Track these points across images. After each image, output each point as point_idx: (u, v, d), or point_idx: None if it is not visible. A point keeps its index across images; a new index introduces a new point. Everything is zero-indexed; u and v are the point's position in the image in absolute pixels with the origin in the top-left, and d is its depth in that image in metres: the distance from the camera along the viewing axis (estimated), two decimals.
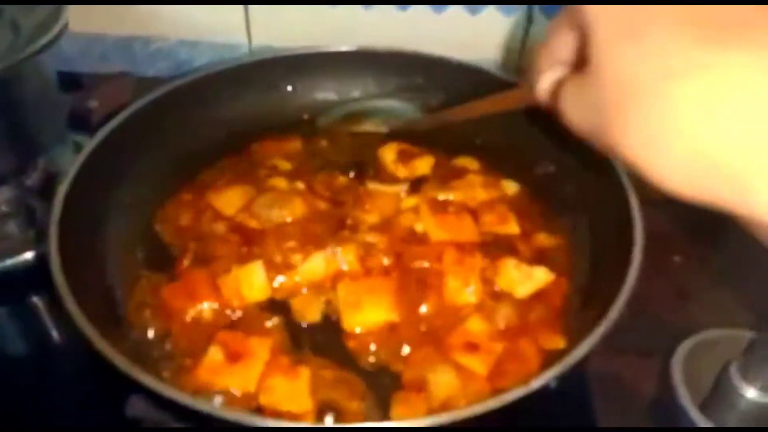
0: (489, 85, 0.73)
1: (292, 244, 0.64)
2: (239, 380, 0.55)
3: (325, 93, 0.79)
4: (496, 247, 0.66)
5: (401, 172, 0.74)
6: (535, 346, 0.58)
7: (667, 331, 0.65)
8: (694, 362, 0.61)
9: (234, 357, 0.57)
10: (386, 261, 0.64)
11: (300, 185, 0.71)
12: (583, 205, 0.67)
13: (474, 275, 0.63)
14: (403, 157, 0.74)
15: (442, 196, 0.70)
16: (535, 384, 0.47)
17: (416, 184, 0.73)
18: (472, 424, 0.46)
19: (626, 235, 0.58)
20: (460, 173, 0.73)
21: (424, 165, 0.74)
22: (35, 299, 0.74)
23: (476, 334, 0.59)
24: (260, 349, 0.57)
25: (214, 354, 0.57)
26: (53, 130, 0.78)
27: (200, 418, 0.47)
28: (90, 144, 0.63)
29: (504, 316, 0.60)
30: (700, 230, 0.89)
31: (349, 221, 0.67)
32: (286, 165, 0.74)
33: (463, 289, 0.62)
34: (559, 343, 0.59)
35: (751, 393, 0.57)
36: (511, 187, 0.72)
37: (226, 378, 0.56)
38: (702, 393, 0.60)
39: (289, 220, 0.67)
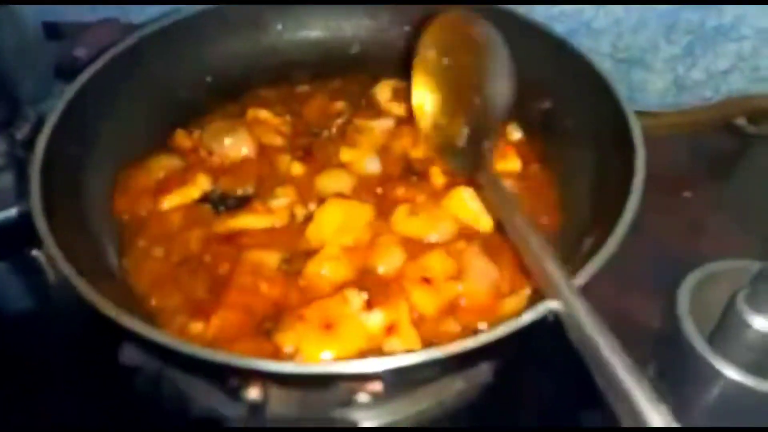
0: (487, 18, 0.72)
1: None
2: None
3: (315, 31, 0.77)
4: None
5: (396, 110, 0.71)
6: None
7: (675, 268, 0.64)
8: (701, 295, 0.60)
9: None
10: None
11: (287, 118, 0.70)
12: (583, 137, 0.64)
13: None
14: (398, 96, 0.72)
15: None
16: (527, 318, 0.45)
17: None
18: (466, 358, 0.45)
19: (628, 162, 0.56)
20: None
21: None
22: (35, 252, 0.74)
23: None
24: None
25: None
26: (39, 80, 0.76)
27: (191, 362, 0.46)
28: (69, 90, 0.62)
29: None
30: (712, 166, 0.88)
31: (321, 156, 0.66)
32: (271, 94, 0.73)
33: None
34: None
35: (758, 323, 0.55)
36: (514, 134, 0.70)
37: None
38: (709, 325, 0.59)
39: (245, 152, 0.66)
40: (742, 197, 0.84)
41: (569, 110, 0.66)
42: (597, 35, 0.91)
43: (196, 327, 0.52)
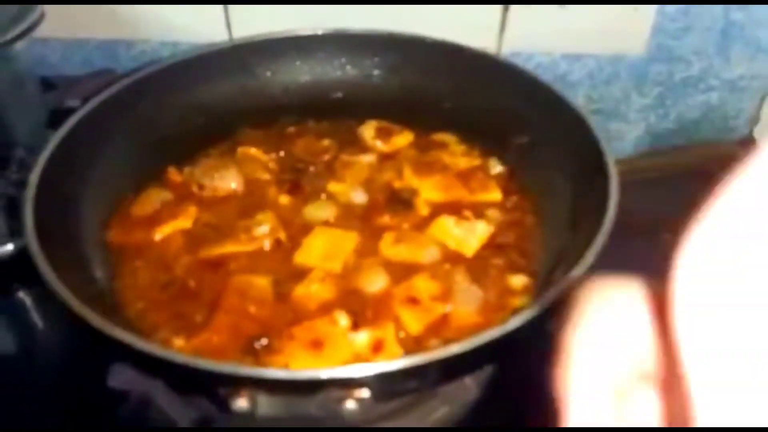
0: (465, 62, 0.76)
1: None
2: None
3: (303, 76, 0.80)
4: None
5: (380, 147, 0.74)
6: None
7: None
8: None
9: None
10: None
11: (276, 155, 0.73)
12: (559, 168, 0.67)
13: None
14: (382, 134, 0.75)
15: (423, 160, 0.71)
16: (514, 322, 0.46)
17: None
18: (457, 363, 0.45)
19: (602, 191, 0.58)
20: (441, 146, 0.74)
21: (403, 140, 0.75)
22: (21, 294, 0.74)
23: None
24: None
25: None
26: (33, 127, 0.78)
27: (180, 373, 0.46)
28: (61, 129, 0.64)
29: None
30: (688, 209, 0.90)
31: (308, 188, 0.69)
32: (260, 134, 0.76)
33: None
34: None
35: None
36: (495, 167, 0.72)
37: None
38: None
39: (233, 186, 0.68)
40: None
41: (546, 144, 0.69)
42: (572, 87, 0.95)
43: (178, 342, 0.54)
